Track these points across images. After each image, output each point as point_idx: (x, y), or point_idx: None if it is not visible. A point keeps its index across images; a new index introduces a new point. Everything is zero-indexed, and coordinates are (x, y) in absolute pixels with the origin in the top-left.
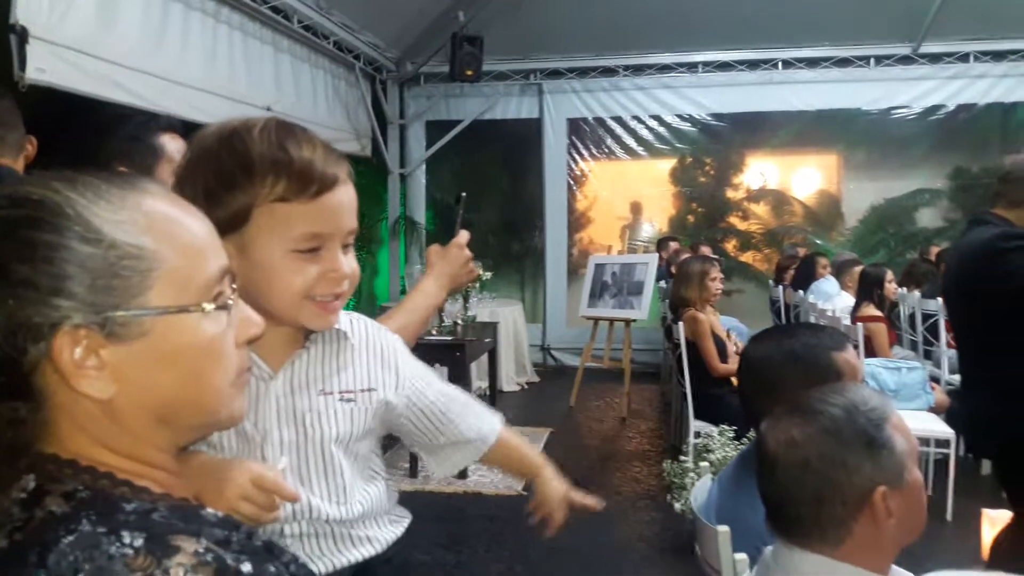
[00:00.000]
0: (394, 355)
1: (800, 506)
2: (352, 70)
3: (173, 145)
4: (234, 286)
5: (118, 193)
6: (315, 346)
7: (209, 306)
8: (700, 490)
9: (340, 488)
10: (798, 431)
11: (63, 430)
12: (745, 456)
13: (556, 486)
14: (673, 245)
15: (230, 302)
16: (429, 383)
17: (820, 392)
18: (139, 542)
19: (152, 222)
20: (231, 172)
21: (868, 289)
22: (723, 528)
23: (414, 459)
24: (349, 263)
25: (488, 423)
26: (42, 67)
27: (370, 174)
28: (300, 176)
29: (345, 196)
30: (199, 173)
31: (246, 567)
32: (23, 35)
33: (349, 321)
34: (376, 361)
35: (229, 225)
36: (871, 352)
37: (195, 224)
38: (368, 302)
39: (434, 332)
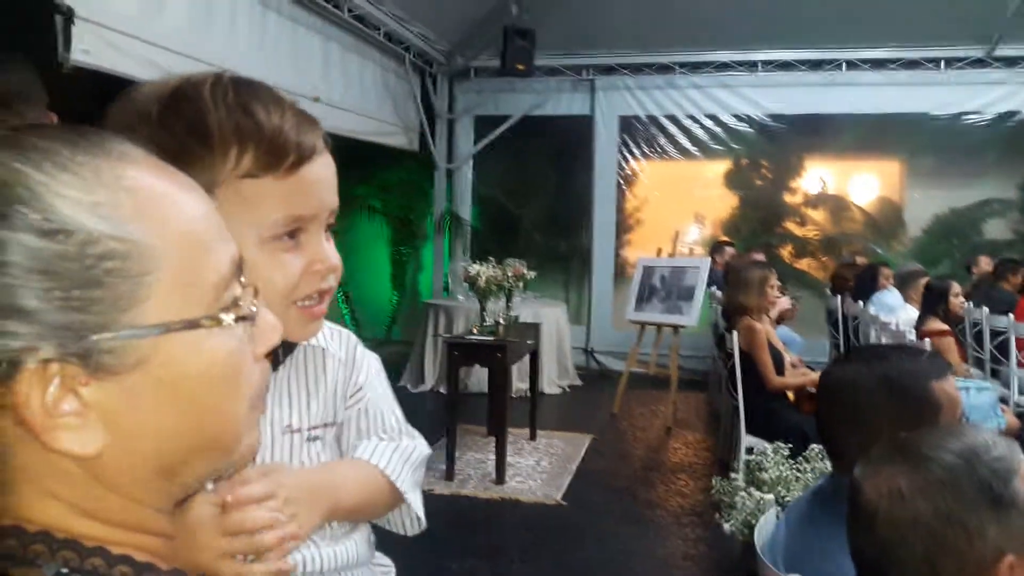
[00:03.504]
0: (368, 384)
1: (905, 572)
2: (402, 62)
3: None
4: (244, 280)
5: (89, 163)
6: (289, 368)
7: (227, 317)
8: (765, 526)
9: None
10: (905, 481)
11: (25, 498)
12: (819, 493)
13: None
14: (729, 251)
15: (253, 309)
16: (382, 411)
17: (930, 433)
18: None
19: (140, 203)
20: (182, 143)
21: (933, 302)
22: None
23: (451, 461)
24: (333, 251)
25: (380, 457)
26: (87, 48)
27: (416, 168)
28: (271, 145)
29: (325, 169)
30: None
31: None
32: (69, 15)
33: (330, 335)
34: (345, 388)
35: None
36: None
37: (193, 201)
38: (411, 297)
39: (475, 332)
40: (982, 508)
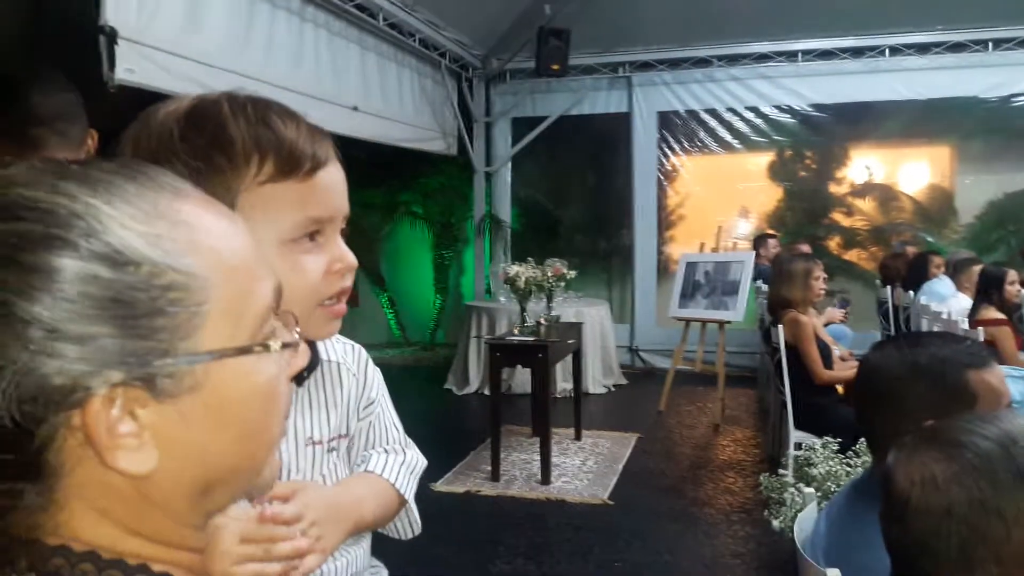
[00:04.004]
0: (378, 398)
1: (939, 562)
2: (438, 68)
3: None
4: (280, 310)
5: (148, 197)
6: (310, 382)
7: (275, 344)
8: (805, 520)
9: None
10: (940, 469)
11: (75, 515)
12: (858, 485)
13: None
14: (772, 243)
15: (297, 336)
16: (387, 425)
17: (965, 419)
18: None
19: (195, 237)
20: (207, 156)
21: (987, 290)
22: (833, 572)
23: (496, 462)
24: (349, 251)
25: (391, 471)
26: (131, 67)
27: (456, 172)
28: (291, 153)
29: (337, 175)
30: (162, 164)
31: None
32: (112, 36)
33: (343, 350)
34: (358, 402)
35: None
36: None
37: (240, 235)
38: (454, 300)
39: (516, 332)
40: (1019, 495)
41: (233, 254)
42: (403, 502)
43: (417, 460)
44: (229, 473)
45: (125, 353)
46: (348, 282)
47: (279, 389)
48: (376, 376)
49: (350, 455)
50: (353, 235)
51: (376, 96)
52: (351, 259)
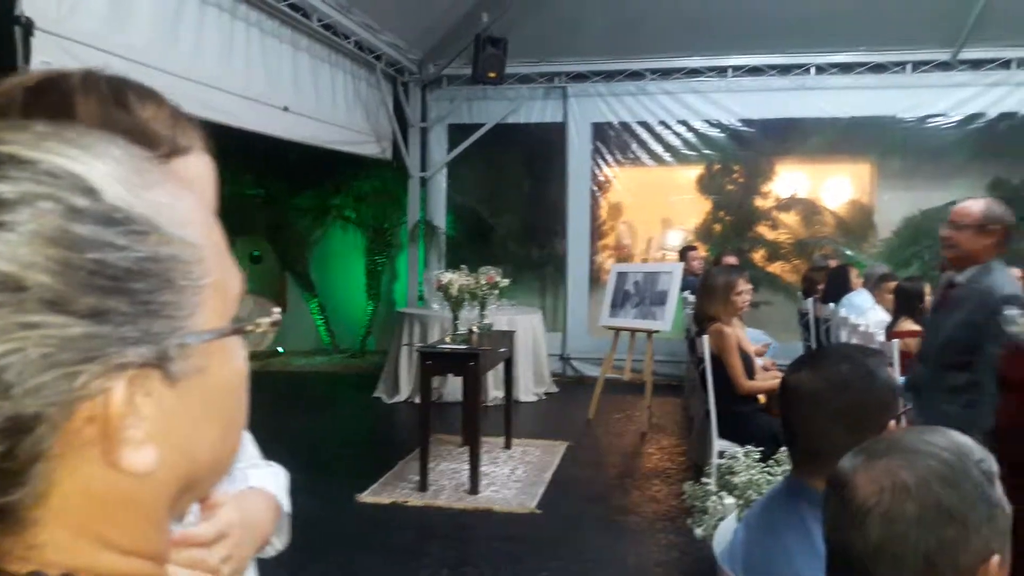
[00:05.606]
0: None
1: (902, 570)
2: (373, 71)
3: None
4: None
5: (142, 165)
6: None
7: (265, 320)
8: (723, 532)
9: None
10: (908, 475)
11: (49, 534)
12: (776, 496)
13: None
14: (693, 254)
15: (277, 311)
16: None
17: (909, 432)
18: None
19: (187, 205)
20: None
21: (906, 303)
22: None
23: (424, 471)
24: None
25: (274, 485)
26: (48, 60)
27: (390, 177)
28: (143, 135)
29: (203, 167)
30: None
31: None
32: (28, 27)
33: None
34: None
35: None
36: (907, 370)
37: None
38: (386, 307)
39: (448, 340)
40: (977, 505)
41: (213, 226)
42: (282, 516)
43: (285, 474)
44: (212, 466)
45: (141, 330)
46: None
47: (246, 375)
48: None
49: None
50: (283, 239)
51: (308, 97)
52: None
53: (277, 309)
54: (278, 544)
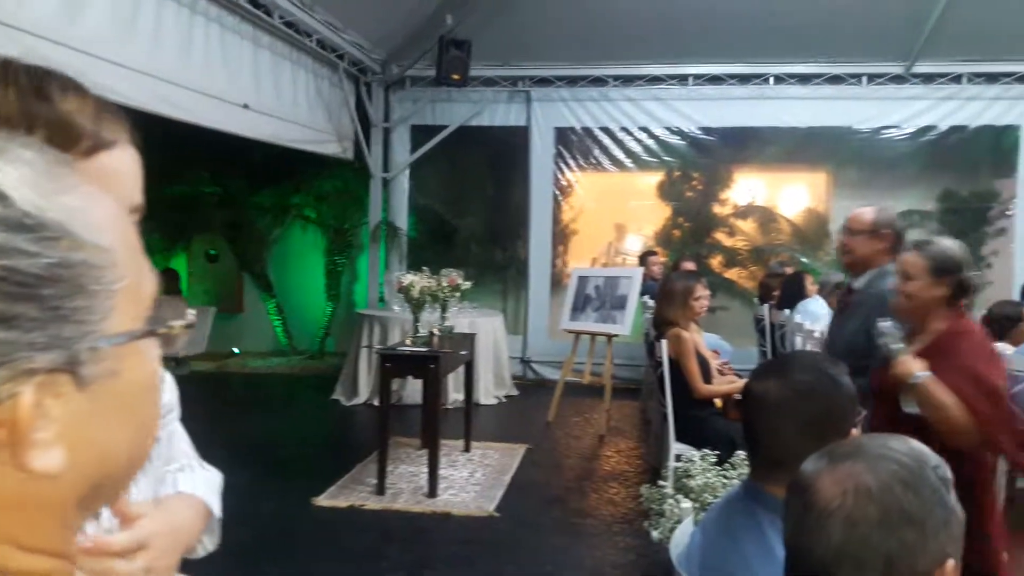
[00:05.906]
0: (174, 404)
1: (863, 573)
2: (336, 70)
3: None
4: None
5: (55, 169)
6: None
7: (178, 323)
8: (680, 536)
9: None
10: (871, 479)
11: None
12: (732, 501)
13: None
14: (652, 259)
15: (192, 313)
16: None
17: (869, 439)
18: None
19: (101, 210)
20: None
21: None
22: None
23: (382, 475)
24: None
25: (203, 490)
26: None
27: (352, 177)
28: (64, 128)
29: (128, 162)
30: None
31: None
32: None
33: None
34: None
35: None
36: None
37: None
38: (346, 308)
39: (408, 342)
40: (935, 510)
41: (125, 228)
42: (211, 519)
43: (217, 477)
44: (124, 468)
45: (51, 336)
46: None
47: (159, 376)
48: (170, 380)
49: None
50: (241, 238)
51: (269, 95)
52: None
53: (192, 311)
54: (209, 545)
